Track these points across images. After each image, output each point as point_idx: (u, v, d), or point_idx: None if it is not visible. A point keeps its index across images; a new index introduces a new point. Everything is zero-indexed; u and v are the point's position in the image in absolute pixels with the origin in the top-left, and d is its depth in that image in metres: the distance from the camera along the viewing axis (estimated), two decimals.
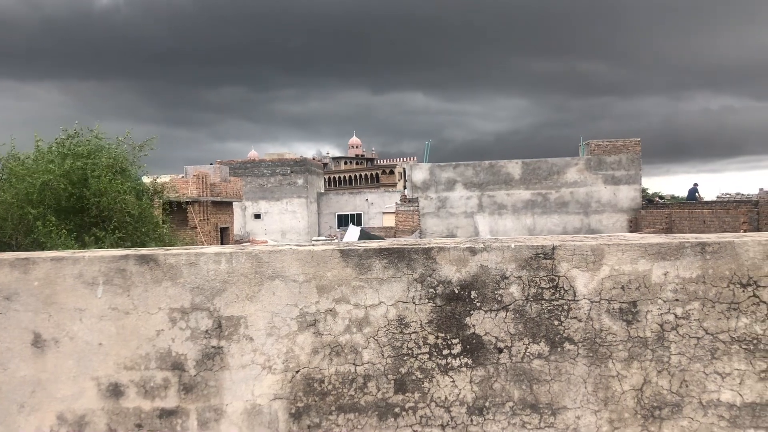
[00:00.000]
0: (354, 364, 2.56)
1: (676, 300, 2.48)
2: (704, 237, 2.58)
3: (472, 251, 2.54)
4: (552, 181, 25.07)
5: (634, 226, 24.40)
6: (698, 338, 2.48)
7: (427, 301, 2.54)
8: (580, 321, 2.51)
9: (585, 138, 26.15)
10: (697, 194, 29.68)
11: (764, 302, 2.44)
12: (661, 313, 2.49)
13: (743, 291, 2.46)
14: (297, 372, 2.57)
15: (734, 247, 2.47)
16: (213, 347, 2.58)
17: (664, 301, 2.48)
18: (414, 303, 2.54)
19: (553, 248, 2.53)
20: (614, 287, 2.50)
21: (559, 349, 2.52)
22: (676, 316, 2.48)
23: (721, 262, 2.47)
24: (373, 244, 2.63)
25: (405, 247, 2.56)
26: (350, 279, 2.56)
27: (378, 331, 2.55)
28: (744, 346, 2.46)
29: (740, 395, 2.46)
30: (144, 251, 2.67)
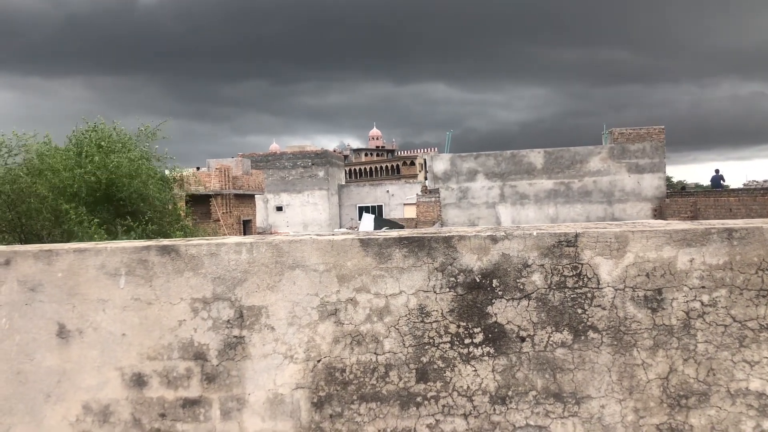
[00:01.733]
0: (375, 353, 2.55)
1: (703, 287, 2.43)
2: (731, 223, 2.52)
3: (494, 239, 2.51)
4: (575, 170, 24.83)
5: (659, 214, 24.10)
6: (726, 326, 2.43)
7: (448, 290, 2.52)
8: (604, 309, 2.47)
9: (608, 126, 25.84)
10: (722, 182, 29.21)
11: None
12: (687, 301, 2.44)
13: None
14: (318, 361, 2.57)
15: (762, 233, 2.41)
16: (235, 337, 2.59)
17: (690, 289, 2.44)
18: (435, 292, 2.52)
19: (576, 235, 2.49)
20: (639, 274, 2.46)
21: (582, 337, 2.48)
22: (702, 303, 2.44)
23: (749, 248, 2.42)
24: (393, 233, 2.62)
25: (425, 235, 2.54)
26: (370, 268, 2.55)
27: (399, 320, 2.53)
28: None
29: None
30: (165, 242, 2.68)
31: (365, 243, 2.55)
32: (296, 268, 2.57)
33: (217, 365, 2.60)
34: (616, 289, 2.47)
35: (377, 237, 2.56)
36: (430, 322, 2.52)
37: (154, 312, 2.61)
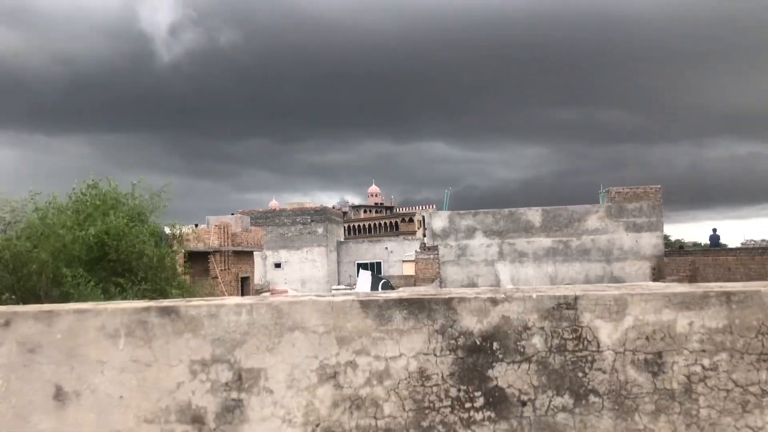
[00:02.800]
0: (375, 417, 2.52)
1: (703, 351, 2.43)
2: (729, 286, 2.54)
3: (494, 301, 2.52)
4: (573, 229, 24.90)
5: (657, 273, 24.05)
6: (728, 390, 2.42)
7: (448, 352, 2.51)
8: (604, 372, 2.46)
9: (606, 185, 26.08)
10: (719, 240, 29.32)
11: None
12: (688, 365, 2.43)
13: None
14: (317, 425, 2.54)
15: (761, 297, 2.43)
16: (233, 400, 2.57)
17: (691, 352, 2.44)
18: (435, 355, 2.51)
19: (576, 298, 2.50)
20: (638, 338, 2.46)
21: (583, 401, 2.47)
22: (703, 367, 2.43)
23: (748, 312, 2.43)
24: (393, 295, 2.63)
25: (425, 297, 2.55)
26: (370, 330, 2.55)
27: (399, 383, 2.52)
28: None
29: None
30: (166, 303, 2.69)
31: (365, 305, 2.56)
32: (296, 329, 2.57)
33: (214, 429, 2.57)
34: (616, 353, 2.47)
35: (377, 298, 2.57)
36: (430, 386, 2.51)
37: (152, 374, 2.60)
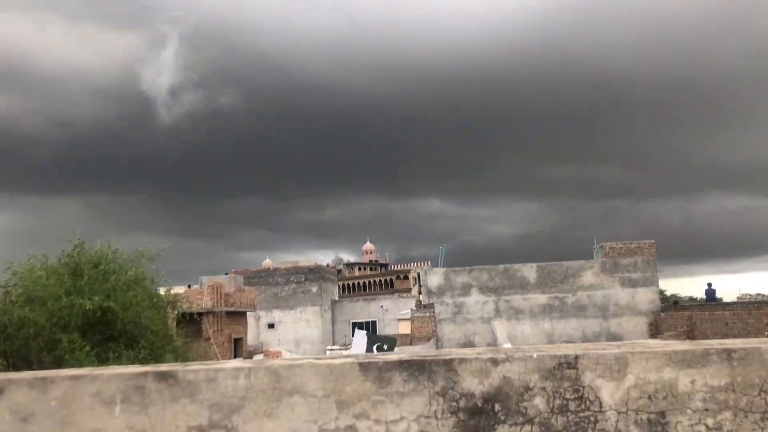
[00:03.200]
0: None
1: (706, 410, 2.41)
2: (729, 343, 2.53)
3: (494, 362, 2.50)
4: (568, 285, 24.85)
5: (655, 329, 23.90)
6: None
7: (449, 415, 2.48)
8: None
9: (600, 240, 26.17)
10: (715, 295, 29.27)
11: None
12: (692, 424, 2.41)
13: None
14: None
15: (762, 354, 2.42)
16: None
17: (694, 411, 2.41)
18: (436, 418, 2.48)
19: (576, 357, 2.49)
20: (641, 397, 2.44)
21: None
22: (707, 427, 2.40)
23: (750, 369, 2.42)
24: (393, 357, 2.60)
25: (425, 359, 2.53)
26: (370, 393, 2.52)
27: None
28: None
29: None
30: (163, 368, 2.65)
31: (365, 367, 2.54)
32: (294, 393, 2.54)
33: None
34: (618, 412, 2.44)
35: (377, 360, 2.55)
36: None
37: None
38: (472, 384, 2.49)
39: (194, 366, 2.65)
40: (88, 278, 12.99)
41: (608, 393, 2.45)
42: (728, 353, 2.43)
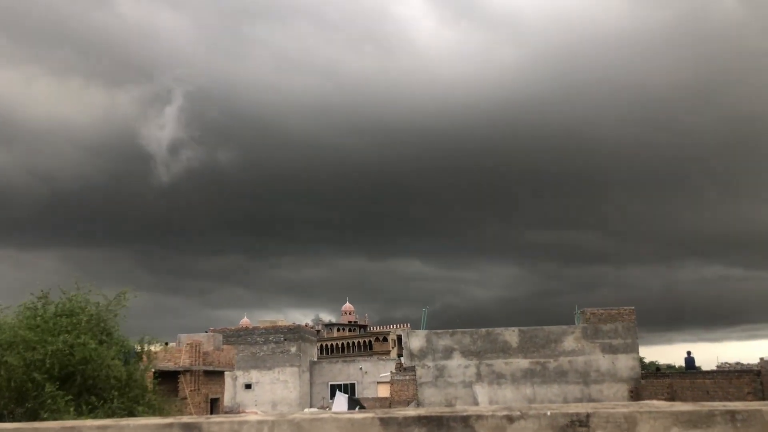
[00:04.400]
0: None
1: None
2: (732, 405, 2.67)
3: (510, 419, 2.61)
4: (550, 350, 24.86)
5: (636, 396, 23.87)
6: None
7: None
8: None
9: (581, 305, 26.34)
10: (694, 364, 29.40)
11: None
12: None
13: None
14: None
15: (763, 416, 2.56)
16: None
17: None
18: None
19: (588, 416, 2.61)
20: None
21: None
22: None
23: (753, 431, 2.55)
24: (411, 412, 2.70)
25: (443, 414, 2.63)
26: None
27: None
28: None
29: None
30: (187, 419, 2.72)
31: (385, 422, 2.63)
32: None
33: None
34: None
35: (397, 416, 2.65)
36: None
37: None
38: None
39: (218, 419, 2.73)
40: (53, 324, 12.97)
41: None
42: (732, 414, 2.57)
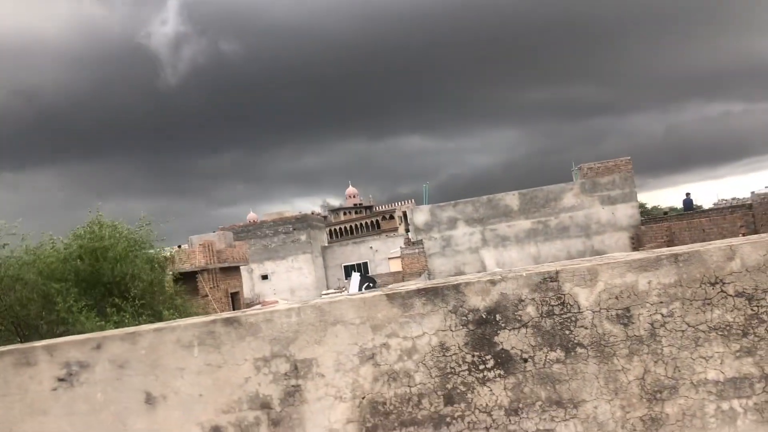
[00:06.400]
0: (408, 386, 3.14)
1: (661, 302, 3.08)
2: (676, 249, 3.19)
3: (493, 282, 3.15)
4: (550, 208, 25.72)
5: (636, 242, 24.95)
6: (683, 331, 3.07)
7: (461, 327, 3.13)
8: (586, 328, 3.10)
9: (583, 161, 26.86)
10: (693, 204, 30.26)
11: (730, 295, 3.05)
12: (650, 314, 3.08)
13: (712, 288, 3.06)
14: (363, 398, 3.15)
15: (701, 255, 3.08)
16: (293, 386, 3.16)
17: (651, 304, 3.08)
18: (451, 330, 3.13)
19: (557, 272, 3.14)
20: (610, 298, 3.10)
21: (572, 353, 3.10)
22: (662, 315, 3.07)
23: (692, 268, 3.08)
24: (412, 286, 3.24)
25: (438, 285, 3.17)
26: (397, 317, 3.16)
27: (425, 356, 3.13)
28: (720, 333, 3.05)
29: (722, 373, 3.04)
30: (227, 315, 3.28)
31: (391, 297, 3.17)
32: (337, 323, 3.18)
33: (280, 411, 3.16)
34: (593, 312, 3.10)
35: (400, 291, 3.19)
36: (450, 355, 3.13)
37: (224, 373, 3.19)
38: (476, 301, 3.14)
39: (252, 311, 3.28)
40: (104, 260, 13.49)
41: (584, 297, 3.11)
42: (675, 257, 3.09)
